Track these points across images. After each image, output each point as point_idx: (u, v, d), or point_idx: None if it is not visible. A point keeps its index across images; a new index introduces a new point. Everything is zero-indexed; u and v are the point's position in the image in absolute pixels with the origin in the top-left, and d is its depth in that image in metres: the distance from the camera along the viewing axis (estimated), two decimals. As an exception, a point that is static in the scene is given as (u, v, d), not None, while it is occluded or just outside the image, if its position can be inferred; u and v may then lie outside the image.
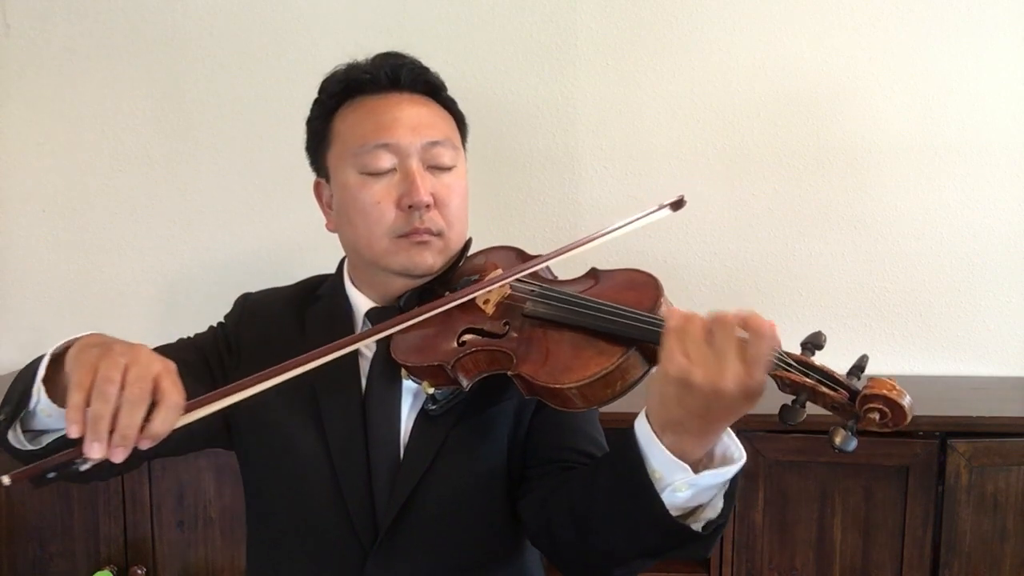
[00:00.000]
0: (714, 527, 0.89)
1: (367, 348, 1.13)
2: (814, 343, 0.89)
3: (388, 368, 1.08)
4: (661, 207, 1.12)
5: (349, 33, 1.97)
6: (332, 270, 1.26)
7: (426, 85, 1.14)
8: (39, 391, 0.88)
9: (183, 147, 2.02)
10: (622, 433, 0.91)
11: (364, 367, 1.13)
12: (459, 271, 1.15)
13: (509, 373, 0.97)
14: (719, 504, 0.89)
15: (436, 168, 1.10)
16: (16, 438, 0.92)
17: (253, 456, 1.16)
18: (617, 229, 1.09)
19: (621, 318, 0.93)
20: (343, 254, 1.23)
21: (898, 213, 1.99)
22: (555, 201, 2.01)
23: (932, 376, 2.01)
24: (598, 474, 0.97)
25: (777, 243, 2.01)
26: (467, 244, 1.15)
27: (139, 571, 1.65)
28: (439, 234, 1.09)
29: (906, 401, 0.80)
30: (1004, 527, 1.63)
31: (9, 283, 2.08)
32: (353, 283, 1.18)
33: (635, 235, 1.98)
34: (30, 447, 0.92)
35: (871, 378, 0.83)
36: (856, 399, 0.82)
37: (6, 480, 0.77)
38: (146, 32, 2.00)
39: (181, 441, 1.15)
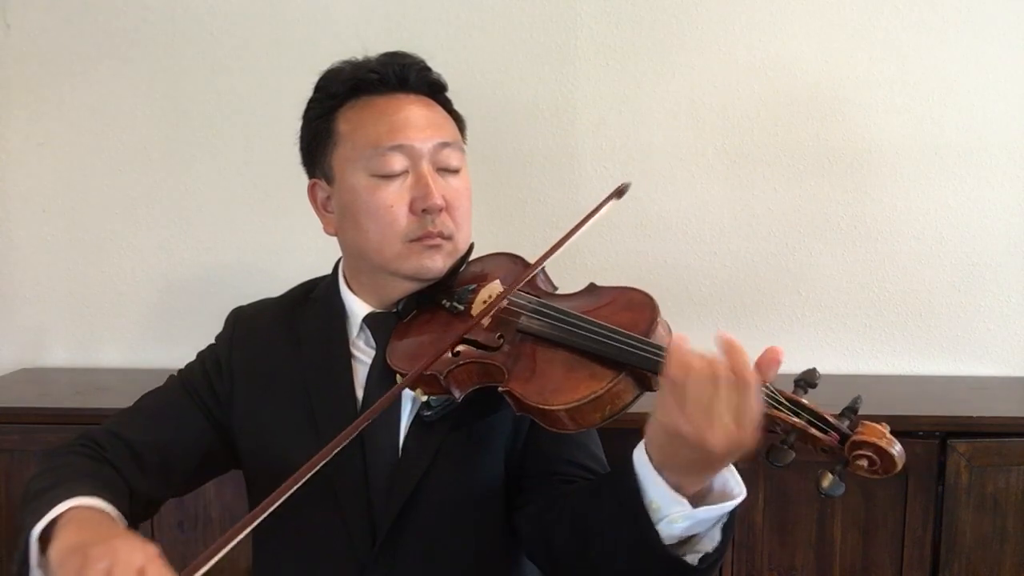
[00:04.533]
0: (710, 561, 0.88)
1: (364, 355, 1.13)
2: (807, 381, 0.86)
3: (388, 374, 1.07)
4: (608, 199, 1.07)
5: (349, 33, 1.97)
6: (331, 269, 1.26)
7: (430, 86, 1.14)
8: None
9: (183, 147, 2.02)
10: (621, 460, 0.91)
11: (360, 372, 1.12)
12: (459, 278, 1.14)
13: (500, 388, 0.96)
14: (716, 535, 0.89)
15: (444, 171, 1.10)
16: None
17: (253, 469, 1.16)
18: (576, 229, 1.06)
19: (615, 341, 0.91)
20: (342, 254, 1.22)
21: (898, 213, 1.99)
22: (555, 201, 2.01)
23: (932, 376, 2.00)
24: (599, 496, 0.96)
25: (777, 243, 2.01)
26: (470, 249, 1.14)
27: (139, 571, 1.65)
28: (449, 237, 1.09)
29: (896, 450, 0.79)
30: (1004, 527, 1.62)
31: (9, 283, 2.08)
32: (349, 287, 1.17)
33: (635, 235, 2.01)
34: None
35: (863, 423, 0.82)
36: (846, 444, 0.80)
37: None
38: (146, 32, 1.99)
39: (201, 477, 1.18)
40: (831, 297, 2.02)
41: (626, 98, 1.98)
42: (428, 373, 1.00)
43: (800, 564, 1.66)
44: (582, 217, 1.05)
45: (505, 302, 1.04)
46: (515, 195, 2.01)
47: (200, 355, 1.22)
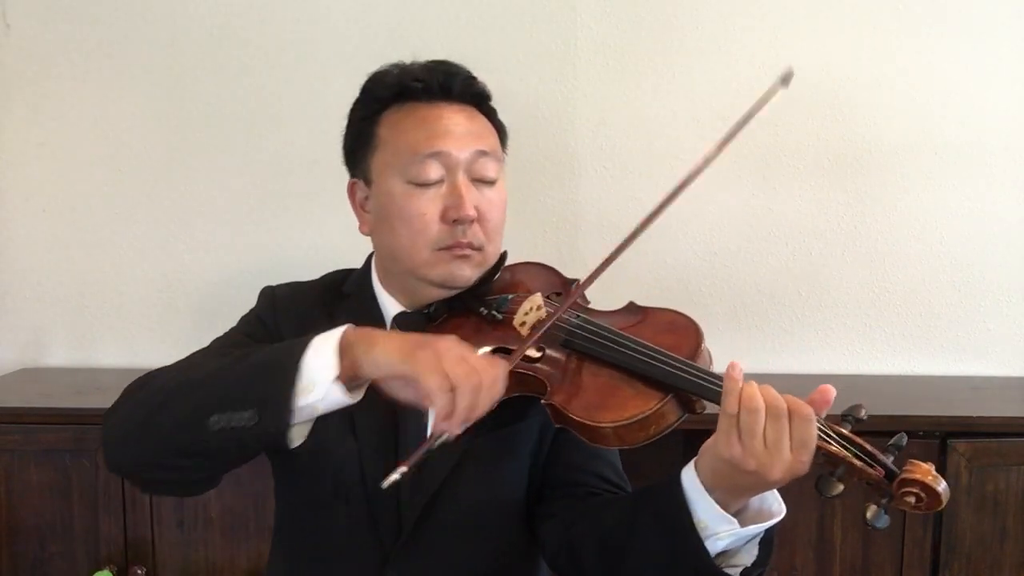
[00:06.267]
0: (752, 574, 0.93)
1: None
2: (854, 416, 0.90)
3: None
4: (772, 88, 1.03)
5: (349, 33, 1.97)
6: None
7: (474, 96, 1.15)
8: (330, 388, 0.91)
9: (183, 147, 2.02)
10: (666, 480, 0.94)
11: None
12: (493, 286, 1.15)
13: (542, 401, 0.98)
14: (753, 550, 0.93)
15: (480, 181, 1.11)
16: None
17: (289, 459, 1.13)
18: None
19: (666, 364, 0.94)
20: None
21: (898, 213, 1.99)
22: (555, 201, 2.01)
23: (932, 376, 2.01)
24: (637, 514, 0.98)
25: (777, 243, 2.01)
26: (502, 258, 1.15)
27: (139, 571, 1.65)
28: (479, 248, 1.10)
29: (942, 488, 0.83)
30: (1004, 527, 1.63)
31: (9, 283, 2.08)
32: (382, 285, 1.17)
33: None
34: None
35: (911, 461, 0.86)
36: (894, 480, 0.85)
37: (395, 476, 0.86)
38: (146, 32, 1.99)
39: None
40: (831, 297, 2.02)
41: (626, 98, 1.98)
42: None
43: (800, 564, 1.66)
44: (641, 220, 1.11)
45: (545, 312, 1.05)
46: (515, 195, 1.98)
47: (242, 326, 1.18)
